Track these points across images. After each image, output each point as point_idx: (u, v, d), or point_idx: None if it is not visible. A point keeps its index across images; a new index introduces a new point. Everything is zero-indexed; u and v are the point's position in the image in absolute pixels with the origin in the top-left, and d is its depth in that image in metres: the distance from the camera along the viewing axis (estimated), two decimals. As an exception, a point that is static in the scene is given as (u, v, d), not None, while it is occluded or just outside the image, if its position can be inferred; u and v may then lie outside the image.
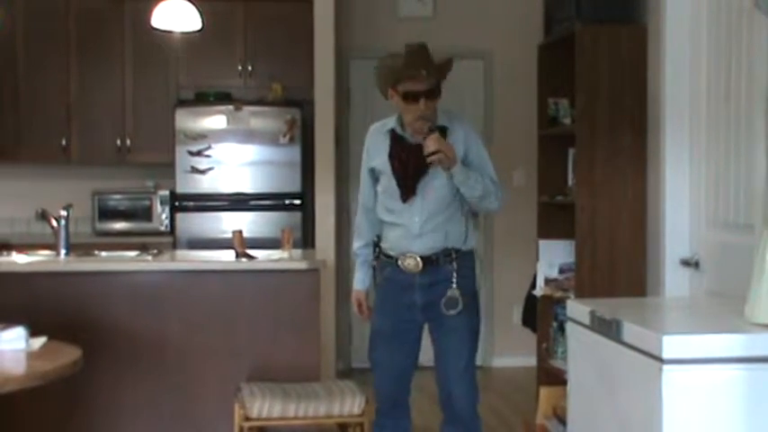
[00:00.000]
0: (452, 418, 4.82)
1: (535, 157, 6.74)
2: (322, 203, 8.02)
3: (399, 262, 4.75)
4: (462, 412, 4.79)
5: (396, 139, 4.78)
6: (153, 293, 5.77)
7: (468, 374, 4.79)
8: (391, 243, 4.82)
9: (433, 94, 4.66)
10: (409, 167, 4.68)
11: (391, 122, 4.85)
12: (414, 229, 4.71)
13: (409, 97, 4.64)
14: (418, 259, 4.71)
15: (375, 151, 4.87)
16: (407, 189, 4.70)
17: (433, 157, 4.55)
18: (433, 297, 4.72)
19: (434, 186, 4.69)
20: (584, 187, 5.77)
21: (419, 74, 4.60)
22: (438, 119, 4.74)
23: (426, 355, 4.90)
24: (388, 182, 4.78)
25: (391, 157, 4.77)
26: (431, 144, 4.56)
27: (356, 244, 5.05)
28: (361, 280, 5.04)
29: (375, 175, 4.89)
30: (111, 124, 8.52)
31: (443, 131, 4.70)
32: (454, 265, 4.71)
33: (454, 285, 4.69)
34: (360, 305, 5.03)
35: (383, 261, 4.87)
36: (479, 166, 4.75)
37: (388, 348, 4.86)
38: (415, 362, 4.91)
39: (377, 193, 4.89)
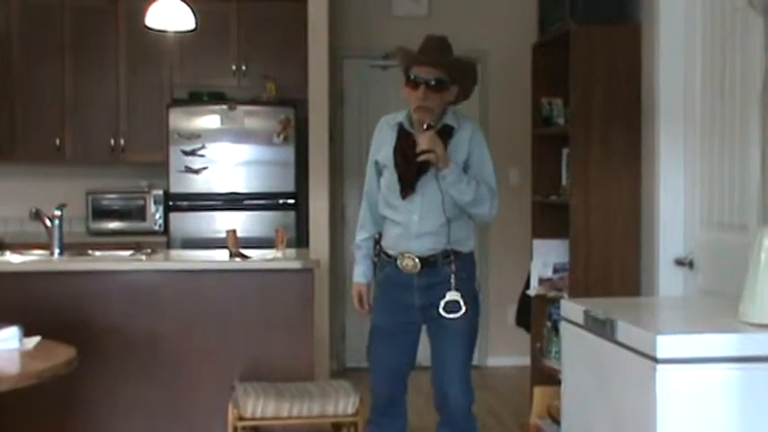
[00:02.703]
0: (448, 420, 4.82)
1: (529, 156, 6.74)
2: (316, 203, 8.01)
3: (398, 262, 4.75)
4: (457, 414, 4.78)
5: (402, 134, 4.77)
6: (147, 293, 5.77)
7: (464, 376, 4.78)
8: (391, 242, 4.80)
9: (438, 86, 4.64)
10: (411, 164, 4.64)
11: (401, 116, 4.83)
12: (412, 228, 4.69)
13: (411, 83, 4.65)
14: (416, 260, 4.70)
15: (381, 144, 4.86)
16: (407, 185, 4.68)
17: (423, 156, 4.55)
18: (431, 299, 4.70)
19: (435, 186, 4.65)
20: (579, 187, 5.77)
21: (427, 60, 4.61)
22: (446, 118, 4.73)
23: (423, 354, 4.89)
24: (390, 176, 4.76)
25: (395, 151, 4.75)
26: (423, 142, 4.55)
27: (359, 236, 5.01)
28: (362, 273, 4.99)
29: (379, 168, 4.87)
30: (105, 124, 8.51)
31: (450, 131, 4.69)
32: (453, 267, 4.69)
33: (453, 288, 4.67)
34: (360, 299, 4.99)
35: (383, 260, 4.86)
36: (479, 170, 4.73)
37: (386, 346, 4.85)
38: (412, 362, 4.90)
39: (380, 186, 4.88)
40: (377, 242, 4.93)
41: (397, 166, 4.72)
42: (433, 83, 4.63)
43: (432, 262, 4.70)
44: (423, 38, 4.76)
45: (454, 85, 4.72)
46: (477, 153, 4.76)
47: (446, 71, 4.66)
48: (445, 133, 4.67)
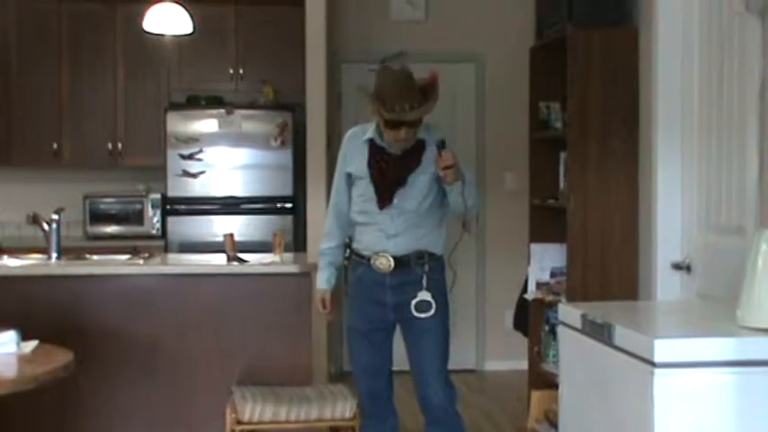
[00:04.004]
0: (433, 420, 4.87)
1: (527, 160, 6.74)
2: (313, 207, 8.00)
3: (372, 261, 4.80)
4: (442, 412, 4.84)
5: (375, 149, 4.83)
6: (145, 297, 5.77)
7: (442, 375, 4.85)
8: (365, 243, 4.87)
9: (416, 123, 4.70)
10: (388, 177, 4.75)
11: (370, 131, 4.87)
12: (389, 229, 4.77)
13: (390, 125, 4.67)
14: (390, 259, 4.76)
15: (352, 157, 4.92)
16: (386, 197, 4.77)
17: (446, 171, 4.59)
18: (403, 298, 4.77)
19: (412, 195, 4.76)
20: (576, 191, 5.77)
21: (403, 109, 4.61)
22: (418, 132, 4.78)
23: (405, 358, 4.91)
24: (365, 187, 4.84)
25: (370, 166, 4.82)
26: (447, 158, 4.59)
27: (325, 244, 5.07)
28: (326, 279, 5.06)
29: (351, 180, 4.94)
30: (103, 128, 8.51)
31: (422, 144, 4.77)
32: (426, 267, 4.77)
33: (425, 288, 4.74)
34: (323, 303, 5.07)
35: (355, 261, 4.93)
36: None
37: (362, 347, 4.93)
38: (390, 360, 4.95)
39: (351, 197, 4.93)
40: (347, 246, 4.98)
41: (373, 180, 4.80)
42: (413, 123, 4.69)
43: (405, 262, 4.77)
44: (383, 71, 4.79)
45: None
46: None
47: (420, 110, 4.68)
48: (419, 146, 4.77)
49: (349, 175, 4.93)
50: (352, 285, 4.97)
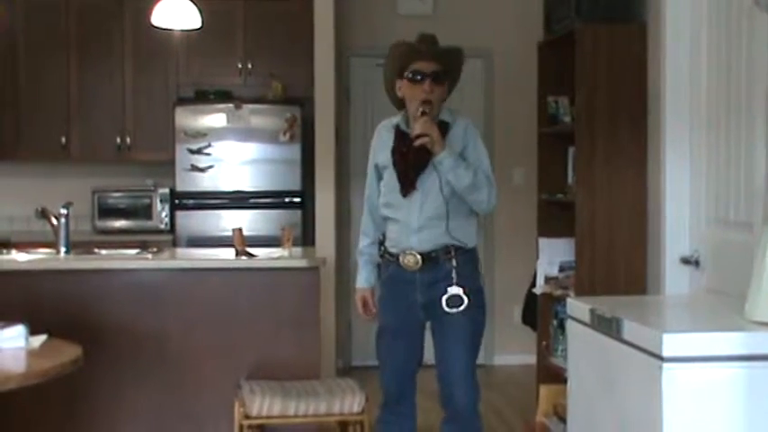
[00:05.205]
0: (453, 417, 4.82)
1: (535, 155, 6.74)
2: (322, 201, 8.02)
3: (400, 259, 4.75)
4: (463, 411, 4.79)
5: (399, 135, 4.79)
6: (153, 291, 5.77)
7: (469, 374, 4.78)
8: (393, 240, 4.81)
9: (439, 77, 4.69)
10: (410, 161, 4.68)
11: (396, 119, 4.88)
12: (412, 222, 4.70)
13: (416, 78, 4.68)
14: (418, 256, 4.70)
15: (380, 147, 4.89)
16: (407, 183, 4.70)
17: (419, 141, 4.56)
18: (433, 296, 4.70)
19: (434, 180, 4.66)
20: (584, 185, 5.76)
21: (426, 52, 4.67)
22: (442, 114, 4.76)
23: (428, 352, 4.89)
24: (390, 176, 4.79)
25: (393, 152, 4.78)
26: (418, 127, 4.58)
27: (362, 242, 5.04)
28: (365, 278, 5.02)
29: (379, 172, 4.90)
30: (111, 122, 8.52)
31: (446, 127, 4.71)
32: (454, 262, 4.69)
33: (455, 283, 4.67)
34: (365, 304, 5.02)
35: (387, 259, 4.87)
36: (475, 161, 4.74)
37: (393, 345, 4.86)
38: (420, 359, 4.90)
39: (380, 190, 4.90)
40: (381, 243, 4.95)
41: (395, 165, 4.75)
42: (436, 75, 4.68)
43: (433, 258, 4.70)
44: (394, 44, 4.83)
45: (448, 81, 4.79)
46: (472, 146, 4.78)
47: (444, 64, 4.72)
48: (441, 129, 4.69)
49: (377, 167, 4.91)
50: (383, 284, 4.91)
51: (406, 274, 4.75)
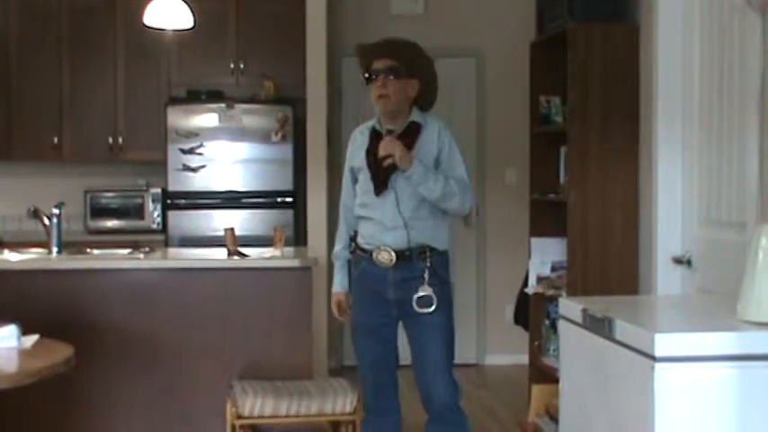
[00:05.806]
0: (436, 417, 4.83)
1: (527, 154, 6.75)
2: (314, 201, 8.02)
3: (374, 255, 4.76)
4: (444, 409, 4.80)
5: (374, 136, 4.84)
6: (145, 291, 5.77)
7: (446, 371, 4.80)
8: (366, 237, 4.83)
9: (395, 71, 4.73)
10: (381, 161, 4.70)
11: (372, 122, 4.93)
12: (387, 221, 4.73)
13: (371, 78, 4.78)
14: (392, 253, 4.72)
15: (355, 151, 4.94)
16: (380, 182, 4.74)
17: (385, 162, 4.63)
18: (405, 294, 4.72)
19: (407, 181, 4.70)
20: (577, 185, 5.77)
21: (378, 50, 4.80)
22: (412, 116, 4.80)
23: (405, 351, 4.90)
24: (365, 178, 4.83)
25: (368, 152, 4.82)
26: (381, 148, 4.65)
27: (337, 246, 5.07)
28: (340, 282, 5.04)
29: (354, 175, 4.94)
30: (103, 122, 8.51)
31: (417, 128, 4.76)
32: (428, 262, 4.72)
33: (426, 283, 4.69)
34: (339, 306, 5.05)
35: (358, 255, 4.89)
36: (449, 166, 4.77)
37: (367, 341, 4.89)
38: (396, 354, 4.92)
39: (356, 193, 4.92)
40: (352, 239, 4.96)
41: (369, 166, 4.79)
42: (390, 69, 4.73)
43: (407, 256, 4.73)
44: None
45: (413, 79, 4.79)
46: (447, 150, 4.80)
47: (398, 59, 4.76)
48: (412, 130, 4.75)
49: (352, 170, 4.94)
50: (355, 280, 4.94)
51: (379, 270, 4.77)
